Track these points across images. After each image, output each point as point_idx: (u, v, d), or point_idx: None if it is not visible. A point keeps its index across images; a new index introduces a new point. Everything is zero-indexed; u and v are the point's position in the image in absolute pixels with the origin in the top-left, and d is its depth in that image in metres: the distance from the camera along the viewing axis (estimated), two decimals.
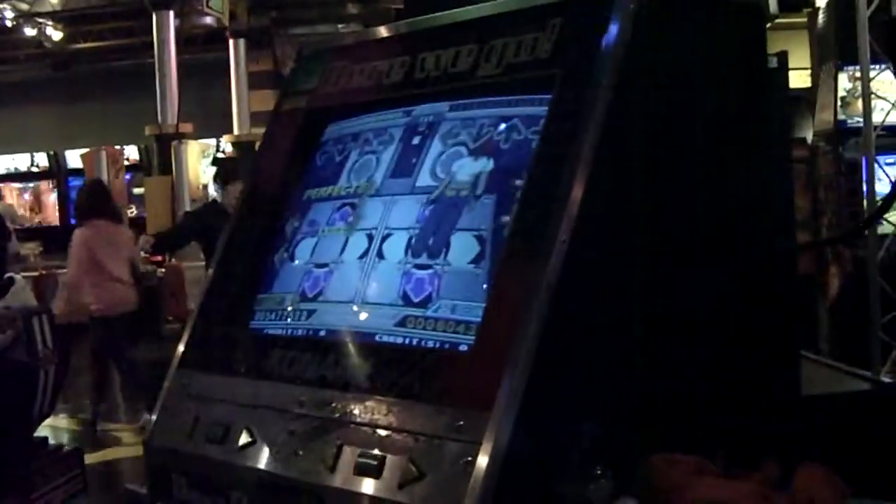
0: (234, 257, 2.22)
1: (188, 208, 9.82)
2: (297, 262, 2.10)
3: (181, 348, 2.16)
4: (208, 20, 13.07)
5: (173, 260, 8.89)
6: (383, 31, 2.25)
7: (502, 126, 1.88)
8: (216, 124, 13.13)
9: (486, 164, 1.87)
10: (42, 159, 14.92)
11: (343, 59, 2.24)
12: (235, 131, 13.02)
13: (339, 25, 13.29)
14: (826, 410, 2.36)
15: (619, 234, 1.73)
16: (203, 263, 6.11)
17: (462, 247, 1.81)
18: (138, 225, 11.42)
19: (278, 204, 2.22)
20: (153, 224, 10.35)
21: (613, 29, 1.73)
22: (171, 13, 11.04)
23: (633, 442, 1.69)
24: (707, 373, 1.83)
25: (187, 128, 11.02)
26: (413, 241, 1.88)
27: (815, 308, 5.93)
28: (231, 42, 13.27)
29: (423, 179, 1.94)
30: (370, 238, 1.95)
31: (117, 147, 12.30)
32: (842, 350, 4.96)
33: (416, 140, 2.01)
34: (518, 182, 1.76)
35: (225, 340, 2.10)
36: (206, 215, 5.92)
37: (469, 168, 1.88)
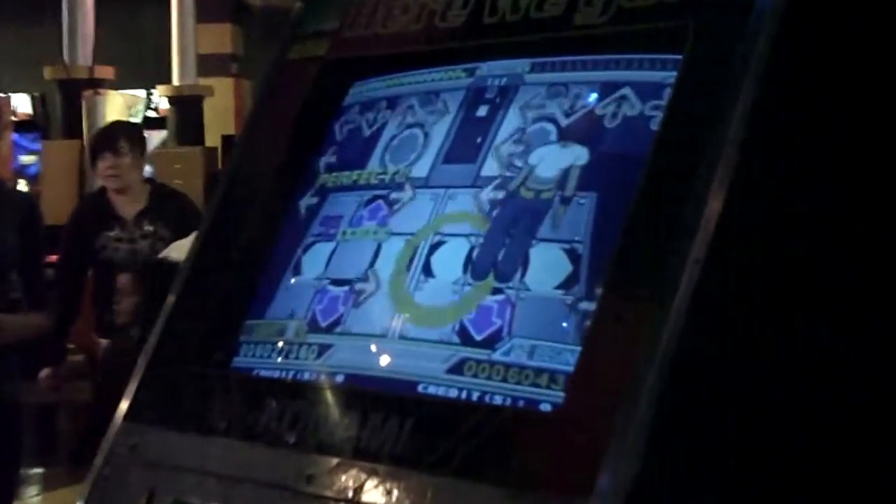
0: (211, 267, 2.25)
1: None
2: (304, 276, 2.13)
3: (129, 394, 2.19)
4: None
5: None
6: None
7: (608, 97, 1.90)
8: (148, 70, 13.25)
9: (583, 150, 1.89)
10: None
11: None
12: (175, 81, 13.10)
13: None
14: None
15: (769, 257, 1.74)
16: None
17: (546, 264, 1.83)
18: None
19: (277, 193, 2.25)
20: (52, 207, 10.38)
21: None
22: None
23: None
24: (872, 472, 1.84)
25: (106, 72, 11.13)
26: (476, 253, 1.90)
27: None
28: None
29: (492, 167, 1.97)
30: (413, 246, 1.98)
31: (2, 95, 12.37)
32: None
33: (481, 111, 2.04)
34: (629, 176, 1.77)
35: (194, 384, 2.13)
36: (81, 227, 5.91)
37: (559, 154, 1.91)
